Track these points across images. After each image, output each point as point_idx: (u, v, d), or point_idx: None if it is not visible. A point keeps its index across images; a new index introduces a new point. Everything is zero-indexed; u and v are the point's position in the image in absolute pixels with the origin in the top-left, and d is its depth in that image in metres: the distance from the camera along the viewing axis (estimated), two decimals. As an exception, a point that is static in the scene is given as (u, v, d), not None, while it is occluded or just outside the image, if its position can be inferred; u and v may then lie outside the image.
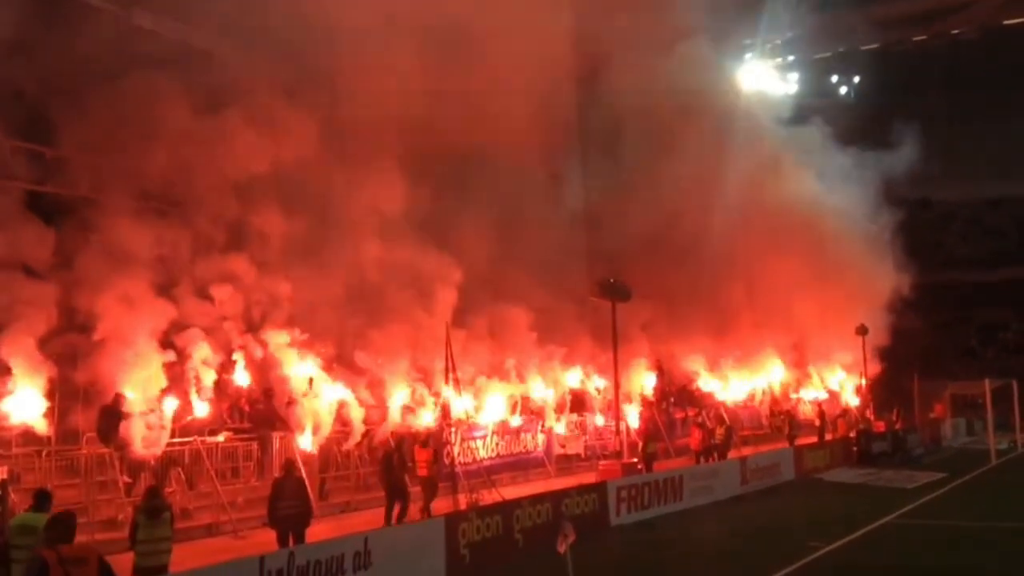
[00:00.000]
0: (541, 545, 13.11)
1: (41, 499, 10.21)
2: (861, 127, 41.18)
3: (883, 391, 37.71)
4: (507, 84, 23.71)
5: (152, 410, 16.05)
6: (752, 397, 35.19)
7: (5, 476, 13.28)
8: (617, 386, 22.93)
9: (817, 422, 33.10)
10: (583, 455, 25.16)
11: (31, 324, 15.37)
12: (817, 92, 47.73)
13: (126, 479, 15.52)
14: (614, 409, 23.74)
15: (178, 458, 16.35)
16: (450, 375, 18.71)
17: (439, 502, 17.54)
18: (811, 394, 37.92)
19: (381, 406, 20.20)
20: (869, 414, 36.00)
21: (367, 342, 20.56)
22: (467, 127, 22.74)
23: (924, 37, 46.59)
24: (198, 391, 17.47)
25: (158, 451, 15.75)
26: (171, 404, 16.59)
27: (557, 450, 24.37)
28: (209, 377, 17.70)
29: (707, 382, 33.15)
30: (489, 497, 17.86)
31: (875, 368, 36.93)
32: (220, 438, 17.40)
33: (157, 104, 18.18)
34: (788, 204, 34.70)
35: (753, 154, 34.76)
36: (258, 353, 19.12)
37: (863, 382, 36.95)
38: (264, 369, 19.40)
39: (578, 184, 32.09)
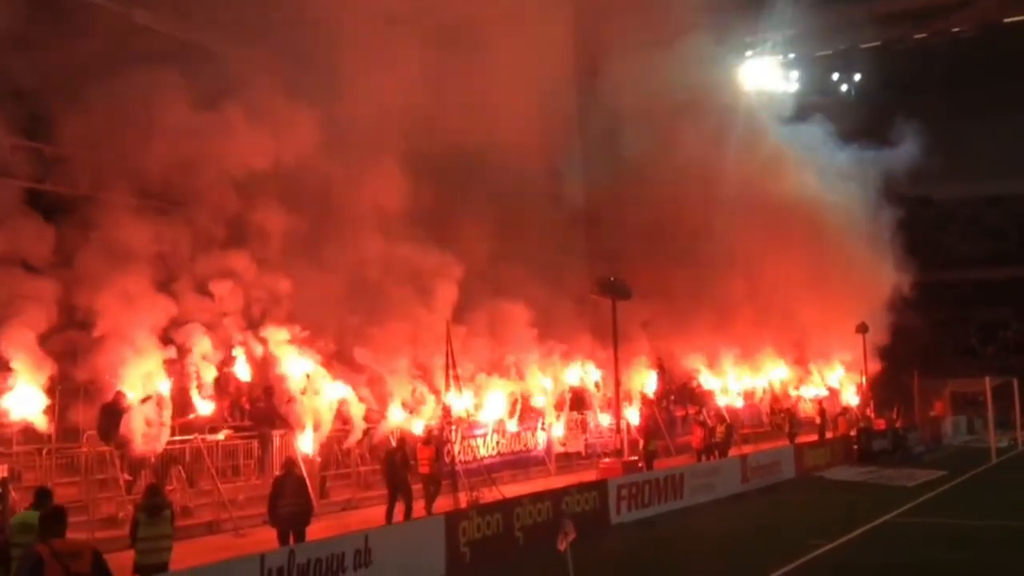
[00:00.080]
0: (541, 543, 13.08)
1: (42, 497, 10.20)
2: (861, 125, 41.13)
3: (883, 389, 37.68)
4: (508, 80, 23.67)
5: (150, 396, 16.01)
6: (752, 395, 35.18)
7: (6, 474, 13.28)
8: (618, 384, 22.93)
9: (817, 420, 33.12)
10: (583, 453, 25.16)
11: (31, 320, 15.35)
12: (818, 90, 47.60)
13: (127, 477, 15.52)
14: (615, 407, 23.75)
15: (179, 456, 16.35)
16: (450, 372, 18.71)
17: (439, 500, 17.57)
18: (811, 392, 37.94)
19: (381, 404, 20.18)
20: (869, 412, 36.01)
21: (367, 339, 20.54)
22: (468, 123, 22.71)
23: (925, 35, 46.44)
24: (199, 387, 17.47)
25: (159, 448, 15.74)
26: (171, 401, 16.55)
27: (557, 448, 24.36)
28: (209, 373, 17.69)
29: (707, 380, 33.12)
30: (489, 495, 17.90)
31: (875, 366, 36.91)
32: (220, 436, 17.38)
33: (157, 100, 18.14)
34: (789, 202, 34.67)
35: (754, 152, 34.75)
36: (258, 351, 19.08)
37: (863, 380, 36.94)
38: (264, 366, 19.38)
39: (579, 180, 32.13)
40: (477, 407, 22.31)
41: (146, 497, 10.96)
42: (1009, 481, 24.34)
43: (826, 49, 47.46)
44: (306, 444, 17.77)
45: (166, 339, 17.01)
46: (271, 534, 13.31)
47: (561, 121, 28.43)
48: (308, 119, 20.02)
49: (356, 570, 11.54)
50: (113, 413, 15.57)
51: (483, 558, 13.62)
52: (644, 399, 28.31)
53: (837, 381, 39.00)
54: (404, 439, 18.00)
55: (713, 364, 33.41)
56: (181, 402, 16.98)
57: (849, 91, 50.85)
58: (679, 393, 31.77)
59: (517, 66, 23.85)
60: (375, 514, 16.66)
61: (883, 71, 48.26)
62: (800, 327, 36.53)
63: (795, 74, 46.12)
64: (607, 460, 22.20)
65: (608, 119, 31.26)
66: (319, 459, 18.16)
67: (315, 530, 13.54)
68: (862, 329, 33.99)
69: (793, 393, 37.46)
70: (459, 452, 19.93)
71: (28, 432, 15.24)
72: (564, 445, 24.66)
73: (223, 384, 18.71)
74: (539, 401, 24.44)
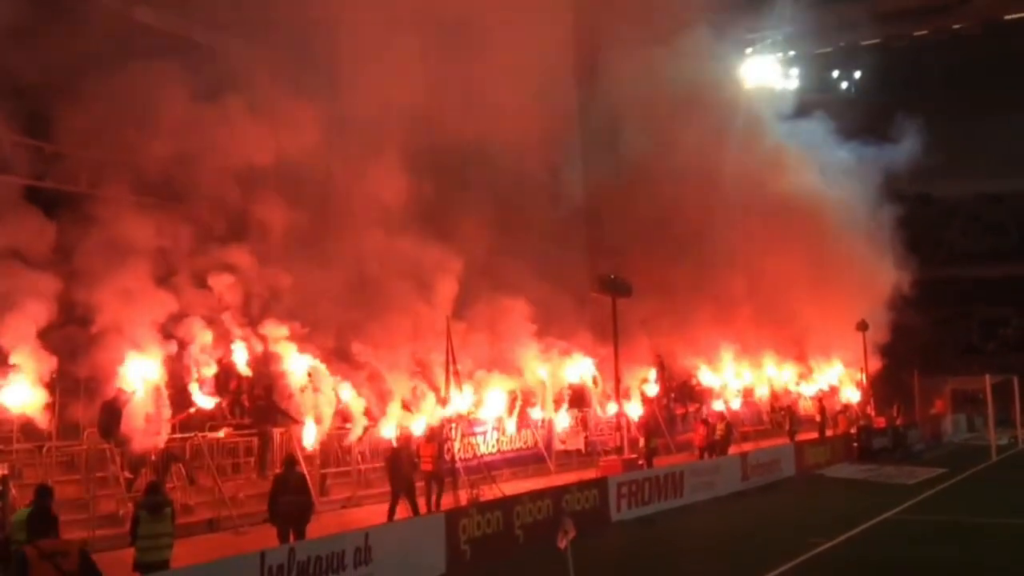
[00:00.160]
0: (542, 541, 13.06)
1: (42, 494, 10.15)
2: (862, 122, 41.12)
3: (884, 387, 37.68)
4: (508, 76, 23.63)
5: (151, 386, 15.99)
6: (752, 392, 35.16)
7: (6, 472, 13.24)
8: (618, 382, 22.89)
9: (818, 418, 33.12)
10: (584, 451, 25.14)
11: (31, 314, 15.28)
12: (818, 87, 47.62)
13: (127, 475, 15.47)
14: (617, 404, 23.70)
15: (179, 453, 16.30)
16: (450, 368, 18.68)
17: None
18: (811, 389, 37.92)
19: (381, 401, 20.15)
20: (870, 410, 36.00)
21: (366, 334, 20.51)
22: (468, 118, 22.68)
23: (925, 32, 46.48)
24: (199, 383, 17.43)
25: (159, 444, 15.70)
26: (170, 397, 16.50)
27: (557, 446, 24.34)
28: (209, 369, 17.64)
29: (708, 377, 33.09)
30: (489, 493, 17.88)
31: (876, 364, 36.91)
32: (221, 433, 17.35)
33: (157, 95, 18.10)
34: (789, 199, 34.67)
35: (754, 149, 34.73)
36: (258, 348, 19.04)
37: (863, 378, 36.93)
38: (264, 363, 19.34)
39: (579, 177, 32.07)
40: (477, 404, 22.28)
41: (147, 495, 10.95)
42: (1009, 479, 24.36)
43: (826, 46, 47.48)
44: (308, 438, 17.74)
45: (165, 334, 16.96)
46: (271, 532, 13.28)
47: (561, 117, 28.40)
48: (308, 114, 19.99)
49: (356, 568, 11.52)
50: (113, 410, 15.53)
51: (483, 556, 13.60)
52: (644, 397, 28.26)
53: (837, 378, 38.99)
54: (408, 438, 17.97)
55: (713, 362, 33.40)
56: (181, 398, 16.92)
57: (849, 88, 50.85)
58: (679, 391, 31.74)
59: (517, 62, 23.80)
60: (375, 512, 16.63)
61: (883, 68, 48.26)
62: (800, 325, 36.52)
63: (795, 71, 46.13)
64: (607, 458, 22.18)
65: (608, 116, 31.25)
66: (318, 459, 18.11)
67: (315, 528, 13.50)
68: (862, 326, 33.97)
69: (793, 388, 37.46)
70: (459, 449, 19.91)
71: (28, 429, 15.20)
72: (564, 443, 24.64)
73: (223, 379, 18.68)
74: (538, 401, 24.42)
